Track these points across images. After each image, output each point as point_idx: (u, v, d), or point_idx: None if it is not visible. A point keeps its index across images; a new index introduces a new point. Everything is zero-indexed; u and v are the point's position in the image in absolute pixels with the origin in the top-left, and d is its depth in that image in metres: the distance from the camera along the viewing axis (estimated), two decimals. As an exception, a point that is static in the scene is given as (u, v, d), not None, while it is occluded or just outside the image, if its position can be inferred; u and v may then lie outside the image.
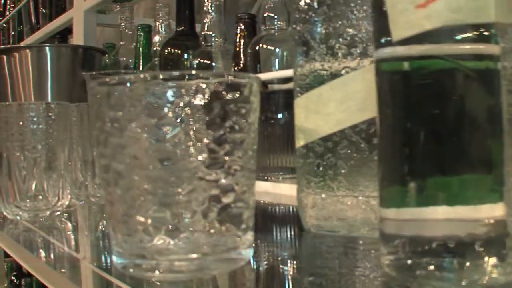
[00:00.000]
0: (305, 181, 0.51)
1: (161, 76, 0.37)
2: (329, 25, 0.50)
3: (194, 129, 0.37)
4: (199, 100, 0.37)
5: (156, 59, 1.23)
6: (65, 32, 1.87)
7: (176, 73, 0.37)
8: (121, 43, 1.41)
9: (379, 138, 0.38)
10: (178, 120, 0.37)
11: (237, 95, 0.39)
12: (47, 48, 1.30)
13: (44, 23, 1.98)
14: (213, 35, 1.03)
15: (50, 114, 0.66)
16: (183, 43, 1.12)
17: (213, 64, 1.03)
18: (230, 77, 0.39)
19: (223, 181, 0.38)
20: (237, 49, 1.00)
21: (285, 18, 0.92)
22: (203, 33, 1.04)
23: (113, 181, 0.39)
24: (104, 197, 0.41)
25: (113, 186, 0.39)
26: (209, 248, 0.38)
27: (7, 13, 2.64)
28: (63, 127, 0.67)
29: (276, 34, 0.92)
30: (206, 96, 0.37)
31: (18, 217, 0.66)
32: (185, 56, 1.11)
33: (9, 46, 1.59)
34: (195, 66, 1.04)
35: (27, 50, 1.29)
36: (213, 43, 1.04)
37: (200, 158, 0.37)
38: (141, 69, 1.27)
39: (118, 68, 1.37)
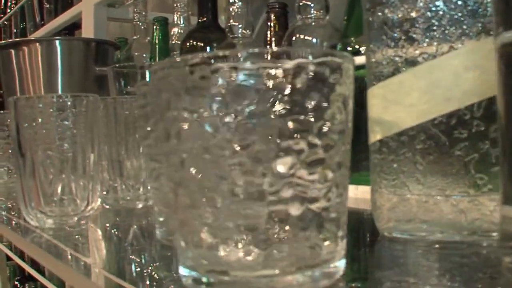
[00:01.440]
0: (379, 180, 0.46)
1: (253, 52, 0.30)
2: (404, 8, 0.44)
3: (291, 119, 0.30)
4: (300, 84, 0.30)
5: (175, 53, 1.15)
6: (72, 27, 1.80)
7: (272, 49, 0.30)
8: (134, 37, 1.33)
9: (505, 129, 0.32)
10: (273, 109, 0.30)
11: (338, 78, 0.32)
12: (57, 41, 1.22)
13: (49, 19, 1.91)
14: (240, 26, 0.96)
15: (77, 108, 0.59)
16: (206, 35, 1.05)
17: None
18: (330, 56, 0.32)
19: (321, 181, 0.31)
20: (268, 40, 0.93)
21: (322, 6, 0.85)
22: (228, 24, 0.96)
23: (186, 183, 0.31)
24: (171, 201, 0.33)
25: (185, 189, 0.32)
26: (305, 261, 0.31)
27: (8, 10, 2.56)
28: (91, 122, 0.60)
29: (313, 23, 0.84)
30: (307, 79, 0.30)
31: (42, 224, 0.59)
32: (208, 49, 1.03)
33: (17, 39, 1.52)
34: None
35: (37, 44, 1.22)
36: (239, 35, 0.96)
37: (297, 154, 0.30)
38: (157, 64, 1.20)
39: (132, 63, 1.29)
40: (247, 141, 0.30)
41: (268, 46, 0.94)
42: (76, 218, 0.59)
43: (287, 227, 0.31)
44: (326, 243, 0.32)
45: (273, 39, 0.93)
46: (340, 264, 0.33)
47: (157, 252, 0.47)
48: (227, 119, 0.29)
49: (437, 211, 0.43)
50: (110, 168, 0.67)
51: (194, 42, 1.05)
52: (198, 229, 0.31)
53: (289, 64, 0.30)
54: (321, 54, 0.31)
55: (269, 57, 0.30)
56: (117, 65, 0.83)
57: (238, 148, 0.30)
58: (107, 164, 0.67)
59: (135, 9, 1.33)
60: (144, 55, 1.30)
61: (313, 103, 0.31)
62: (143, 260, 0.44)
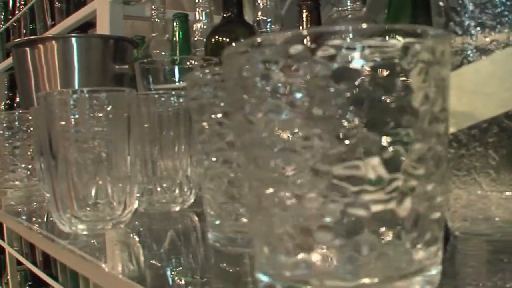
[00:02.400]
0: (449, 174, 0.42)
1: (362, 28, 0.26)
2: None
3: (397, 105, 0.26)
4: (406, 66, 0.26)
5: (197, 49, 1.11)
6: (85, 27, 1.75)
7: (374, 26, 0.26)
8: (152, 34, 1.29)
9: None
10: (379, 93, 0.25)
11: (441, 59, 0.28)
12: (74, 38, 1.18)
13: (60, 19, 1.86)
14: (269, 20, 0.92)
15: (111, 103, 0.55)
16: (232, 30, 1.00)
17: (270, 52, 0.91)
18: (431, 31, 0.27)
19: (428, 176, 0.27)
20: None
21: (360, -2, 0.80)
22: (257, 18, 0.92)
23: (274, 180, 0.27)
24: (251, 203, 0.29)
25: (264, 188, 0.27)
26: (407, 267, 0.27)
27: (17, 11, 2.52)
28: (125, 119, 0.55)
29: (350, 16, 0.80)
30: (415, 61, 0.26)
31: (75, 230, 0.54)
32: (233, 44, 0.99)
33: (32, 37, 1.47)
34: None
35: (53, 41, 1.18)
36: (268, 29, 0.92)
37: (403, 145, 0.26)
38: (178, 62, 1.15)
39: (150, 62, 1.25)
40: (350, 132, 0.25)
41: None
42: (111, 224, 0.54)
43: (391, 231, 0.27)
44: (430, 246, 0.28)
45: (306, 33, 0.88)
46: (438, 270, 0.29)
47: (219, 258, 0.42)
48: (327, 105, 0.25)
49: (504, 210, 0.40)
50: (143, 169, 0.62)
51: (220, 38, 1.00)
52: (287, 232, 0.27)
53: (399, 43, 0.26)
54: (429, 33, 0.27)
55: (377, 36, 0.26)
56: (145, 60, 0.79)
57: (339, 138, 0.25)
58: (139, 165, 0.62)
59: (153, 6, 1.29)
60: (163, 53, 1.26)
61: (418, 86, 0.26)
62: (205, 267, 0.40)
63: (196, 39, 1.12)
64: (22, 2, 2.47)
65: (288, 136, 0.26)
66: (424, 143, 0.27)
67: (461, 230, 0.42)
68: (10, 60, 2.36)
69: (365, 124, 0.26)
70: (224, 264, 0.40)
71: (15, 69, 1.26)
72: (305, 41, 0.26)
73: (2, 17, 2.70)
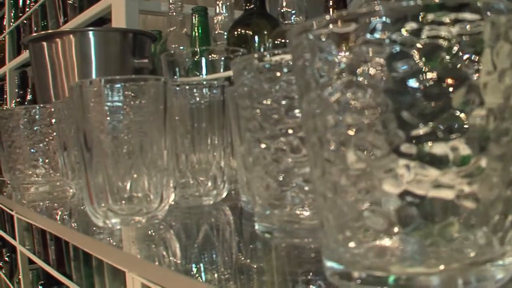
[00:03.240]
0: None
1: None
2: None
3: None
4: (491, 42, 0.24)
5: (218, 43, 1.09)
6: (98, 23, 1.74)
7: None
8: (170, 29, 1.27)
9: None
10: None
11: None
12: (92, 32, 1.16)
13: (72, 16, 1.84)
14: (293, 12, 0.90)
15: (146, 93, 0.53)
16: (254, 23, 0.98)
17: (295, 45, 0.90)
18: None
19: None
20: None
21: (389, -13, 0.78)
22: (281, 10, 0.90)
23: (345, 166, 0.25)
24: (327, 191, 0.27)
25: (341, 175, 0.26)
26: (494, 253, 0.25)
27: (27, 9, 2.51)
28: (160, 108, 0.54)
29: (379, 3, 0.78)
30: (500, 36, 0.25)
31: (111, 224, 0.53)
32: (256, 38, 0.97)
33: (50, 31, 1.45)
34: (271, 48, 0.91)
35: (71, 36, 1.16)
36: (293, 21, 0.90)
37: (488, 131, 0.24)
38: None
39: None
40: (435, 111, 0.24)
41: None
42: (146, 217, 0.53)
43: (474, 216, 0.25)
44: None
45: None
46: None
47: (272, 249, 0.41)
48: (410, 84, 0.23)
49: None
50: (176, 162, 0.60)
51: (243, 31, 0.99)
52: (366, 218, 0.25)
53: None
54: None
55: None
56: (171, 52, 0.77)
57: (424, 117, 0.24)
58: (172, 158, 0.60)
59: (170, 0, 1.27)
60: (182, 48, 1.24)
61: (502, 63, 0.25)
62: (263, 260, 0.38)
63: (216, 32, 1.11)
64: (33, 0, 2.46)
65: (370, 118, 0.24)
66: (505, 124, 0.25)
67: None
68: (21, 58, 2.35)
69: (449, 103, 0.24)
70: (283, 254, 0.39)
71: (31, 64, 1.24)
72: (384, 18, 0.24)
73: (12, 14, 2.69)
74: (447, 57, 0.24)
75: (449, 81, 0.24)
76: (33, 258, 2.18)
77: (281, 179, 0.39)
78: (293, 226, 0.39)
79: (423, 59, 0.24)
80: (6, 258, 2.65)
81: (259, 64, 0.38)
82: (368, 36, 0.25)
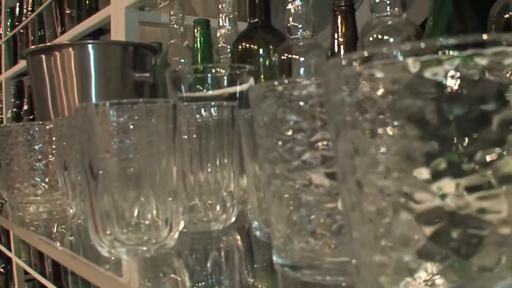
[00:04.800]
0: None
1: None
2: None
3: None
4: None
5: (221, 56, 1.07)
6: (96, 33, 1.72)
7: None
8: (171, 41, 1.25)
9: None
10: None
11: None
12: (92, 45, 1.14)
13: (70, 25, 1.82)
14: (300, 26, 0.88)
15: (153, 115, 0.51)
16: (259, 37, 0.96)
17: (301, 60, 0.87)
18: None
19: None
20: (336, 42, 0.85)
21: (399, 3, 0.76)
22: (288, 24, 0.88)
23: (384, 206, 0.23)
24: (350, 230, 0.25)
25: (381, 216, 0.23)
26: None
27: (24, 18, 2.48)
28: (169, 132, 0.51)
29: (390, 22, 0.76)
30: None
31: (117, 254, 0.50)
32: (261, 51, 0.95)
33: (48, 44, 1.43)
34: (277, 63, 0.89)
35: (70, 48, 1.14)
36: (299, 36, 0.88)
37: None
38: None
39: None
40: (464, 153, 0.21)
41: (336, 49, 0.85)
42: (155, 247, 0.50)
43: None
44: None
45: (341, 40, 0.84)
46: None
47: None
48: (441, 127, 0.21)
49: None
50: (183, 184, 0.58)
51: (248, 45, 0.96)
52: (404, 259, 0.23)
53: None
54: None
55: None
56: (176, 69, 0.75)
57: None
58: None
59: (172, 12, 1.25)
60: (182, 60, 1.22)
61: None
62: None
63: (220, 45, 1.08)
64: (30, 9, 2.44)
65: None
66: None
67: None
68: (17, 67, 2.33)
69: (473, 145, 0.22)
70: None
71: (30, 77, 1.22)
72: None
73: (8, 23, 2.66)
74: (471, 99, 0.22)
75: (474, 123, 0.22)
76: (29, 270, 2.15)
77: (303, 213, 0.36)
78: (315, 261, 0.37)
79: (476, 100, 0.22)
80: (1, 270, 2.62)
81: (284, 93, 0.35)
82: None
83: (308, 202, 0.36)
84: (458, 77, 0.22)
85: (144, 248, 0.50)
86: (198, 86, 0.76)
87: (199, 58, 1.14)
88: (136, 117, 0.50)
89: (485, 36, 0.22)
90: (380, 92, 0.23)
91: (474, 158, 0.22)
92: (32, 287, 2.17)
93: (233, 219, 0.60)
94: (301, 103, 0.35)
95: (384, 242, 0.24)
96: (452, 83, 0.22)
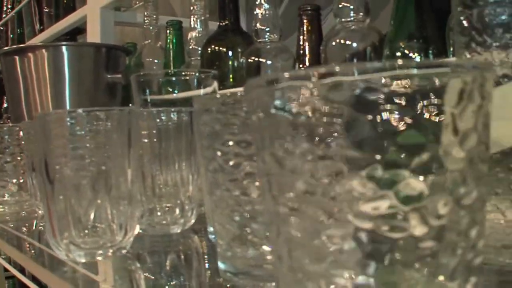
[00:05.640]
0: None
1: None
2: (496, 11, 0.39)
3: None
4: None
5: (192, 58, 1.08)
6: (74, 32, 1.72)
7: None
8: (145, 42, 1.26)
9: None
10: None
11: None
12: (65, 47, 1.15)
13: (48, 24, 1.83)
14: (267, 30, 0.89)
15: (110, 122, 0.52)
16: (228, 39, 0.98)
17: (268, 63, 0.89)
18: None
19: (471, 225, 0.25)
20: (302, 46, 0.86)
21: (363, 8, 0.78)
22: (255, 28, 0.89)
23: (302, 228, 0.25)
24: (272, 244, 0.26)
25: (299, 235, 0.25)
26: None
27: (4, 15, 2.48)
28: (126, 137, 0.53)
29: (353, 27, 0.78)
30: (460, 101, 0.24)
31: (74, 257, 0.51)
32: (230, 54, 0.96)
33: (22, 45, 1.44)
34: (245, 65, 0.90)
35: (43, 50, 1.15)
36: (266, 39, 0.89)
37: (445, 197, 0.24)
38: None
39: (142, 69, 1.22)
40: (390, 176, 0.23)
41: (301, 52, 0.87)
42: (111, 250, 0.51)
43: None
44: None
45: (307, 44, 0.86)
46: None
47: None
48: (366, 150, 0.22)
49: None
50: (142, 188, 0.59)
51: (216, 47, 0.98)
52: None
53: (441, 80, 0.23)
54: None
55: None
56: (141, 73, 0.76)
57: (380, 182, 0.23)
58: (139, 184, 0.59)
59: (146, 13, 1.26)
60: (156, 61, 1.23)
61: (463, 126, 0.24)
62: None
63: (191, 47, 1.10)
64: (10, 6, 2.43)
65: (326, 182, 0.23)
66: (470, 187, 0.25)
67: (484, 261, 0.39)
68: (-3, 65, 2.32)
69: (409, 170, 0.23)
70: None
71: (3, 77, 1.23)
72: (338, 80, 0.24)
73: (-12, 21, 2.66)
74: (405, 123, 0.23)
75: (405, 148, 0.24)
76: (8, 267, 2.15)
77: (242, 222, 0.38)
78: (256, 269, 0.38)
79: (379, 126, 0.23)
80: (-19, 267, 2.62)
81: (224, 105, 0.37)
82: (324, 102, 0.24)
83: (247, 212, 0.37)
84: (362, 100, 0.23)
85: (100, 252, 0.51)
86: (168, 88, 0.77)
87: (171, 59, 1.16)
88: (92, 124, 0.51)
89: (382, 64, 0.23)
90: (287, 114, 0.24)
91: (378, 179, 0.23)
92: (12, 284, 2.17)
93: (192, 222, 0.61)
94: (242, 115, 0.36)
95: (296, 258, 0.25)
96: (353, 106, 0.23)
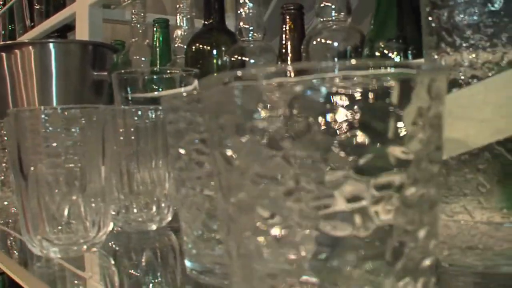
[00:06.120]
0: None
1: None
2: (466, 11, 0.39)
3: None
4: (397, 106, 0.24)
5: (178, 56, 1.09)
6: (64, 29, 1.72)
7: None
8: (132, 40, 1.26)
9: None
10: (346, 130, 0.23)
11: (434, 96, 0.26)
12: (52, 44, 1.15)
13: (39, 21, 1.83)
14: (251, 28, 0.89)
15: (85, 119, 0.52)
16: (213, 38, 0.98)
17: (251, 62, 0.89)
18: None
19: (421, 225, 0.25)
20: (284, 45, 0.87)
21: (344, 8, 0.78)
22: (239, 27, 0.90)
23: (248, 225, 0.25)
24: (224, 242, 0.27)
25: (244, 233, 0.25)
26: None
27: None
28: (101, 135, 0.53)
29: (335, 26, 0.78)
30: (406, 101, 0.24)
31: (47, 253, 0.52)
32: (214, 53, 0.97)
33: (9, 42, 1.44)
34: (228, 64, 0.90)
35: (30, 47, 1.15)
36: (250, 38, 0.89)
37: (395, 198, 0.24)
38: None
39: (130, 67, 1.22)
40: (337, 178, 0.23)
41: (283, 51, 0.87)
42: (85, 246, 0.52)
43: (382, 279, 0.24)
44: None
45: (289, 43, 0.86)
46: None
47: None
48: (312, 149, 0.23)
49: (503, 239, 0.37)
50: (119, 185, 0.60)
51: (201, 46, 0.98)
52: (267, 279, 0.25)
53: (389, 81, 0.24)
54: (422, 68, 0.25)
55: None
56: (122, 71, 0.76)
57: (325, 184, 0.23)
58: (115, 181, 0.60)
59: (133, 10, 1.26)
60: (143, 59, 1.23)
61: (410, 128, 0.24)
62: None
63: (176, 45, 1.10)
64: (1, 3, 2.43)
65: (270, 182, 0.24)
66: (417, 188, 0.25)
67: (449, 261, 0.39)
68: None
69: (353, 170, 0.24)
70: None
71: (-10, 74, 1.23)
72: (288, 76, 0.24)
73: (-20, 17, 2.65)
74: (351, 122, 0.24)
75: (352, 148, 0.24)
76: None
77: (206, 221, 0.38)
78: (218, 267, 0.39)
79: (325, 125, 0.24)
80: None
81: (186, 105, 0.37)
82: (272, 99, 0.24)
83: (212, 211, 0.38)
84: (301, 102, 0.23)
85: (75, 248, 0.51)
86: (153, 86, 0.78)
87: (157, 57, 1.16)
88: (66, 122, 0.51)
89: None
90: (233, 114, 0.25)
91: (322, 179, 0.24)
92: (1, 281, 2.17)
93: (168, 219, 0.61)
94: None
95: (245, 257, 0.26)
96: (296, 106, 0.23)
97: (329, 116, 0.23)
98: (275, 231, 0.25)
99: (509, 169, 0.37)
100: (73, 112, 0.51)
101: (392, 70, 0.24)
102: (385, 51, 0.69)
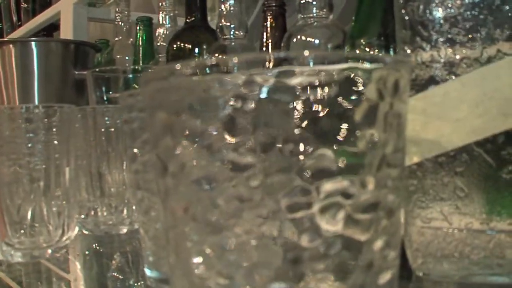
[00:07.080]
0: (413, 210, 0.38)
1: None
2: (443, 5, 0.37)
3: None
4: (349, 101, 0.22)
5: (160, 55, 1.07)
6: (51, 28, 1.70)
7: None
8: (116, 38, 1.24)
9: None
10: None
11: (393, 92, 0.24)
12: (33, 43, 1.13)
13: (26, 19, 1.81)
14: (232, 26, 0.87)
15: (50, 119, 0.50)
16: (194, 36, 0.96)
17: (233, 60, 0.87)
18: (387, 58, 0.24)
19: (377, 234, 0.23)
20: (265, 42, 0.85)
21: (326, 4, 0.76)
22: (220, 24, 0.88)
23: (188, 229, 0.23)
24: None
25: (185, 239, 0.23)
26: None
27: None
28: (66, 135, 0.51)
29: (316, 23, 0.76)
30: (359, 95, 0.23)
31: (9, 258, 0.50)
32: (196, 51, 0.95)
33: (-12, 40, 1.42)
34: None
35: (10, 46, 1.13)
36: (232, 36, 0.88)
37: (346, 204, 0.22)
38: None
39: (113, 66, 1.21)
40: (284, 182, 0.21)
41: (264, 49, 0.85)
42: (49, 250, 0.50)
43: None
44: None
45: (270, 40, 0.84)
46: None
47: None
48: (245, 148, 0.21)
49: (481, 247, 0.36)
50: (89, 186, 0.58)
51: (182, 44, 0.96)
52: None
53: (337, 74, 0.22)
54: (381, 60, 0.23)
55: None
56: (97, 69, 0.75)
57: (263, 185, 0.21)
58: (85, 182, 0.58)
59: (117, 9, 1.24)
60: (127, 58, 1.22)
61: (363, 126, 0.22)
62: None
63: (159, 44, 1.08)
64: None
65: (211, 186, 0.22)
66: (371, 194, 0.23)
67: (423, 271, 0.38)
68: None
69: (297, 174, 0.22)
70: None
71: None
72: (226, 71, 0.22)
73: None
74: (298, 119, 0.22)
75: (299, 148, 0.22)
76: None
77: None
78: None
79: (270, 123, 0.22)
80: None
81: (134, 101, 0.35)
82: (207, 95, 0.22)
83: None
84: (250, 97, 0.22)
85: (37, 252, 0.50)
86: (134, 86, 0.76)
87: (140, 56, 1.14)
88: (30, 122, 0.49)
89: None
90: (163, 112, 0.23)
91: (262, 184, 0.22)
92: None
93: (140, 223, 0.59)
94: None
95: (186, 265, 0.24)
96: (239, 105, 0.22)
97: (269, 115, 0.22)
98: (213, 240, 0.23)
99: (488, 172, 0.36)
100: (36, 111, 0.49)
101: (343, 65, 0.22)
102: (366, 49, 0.67)
